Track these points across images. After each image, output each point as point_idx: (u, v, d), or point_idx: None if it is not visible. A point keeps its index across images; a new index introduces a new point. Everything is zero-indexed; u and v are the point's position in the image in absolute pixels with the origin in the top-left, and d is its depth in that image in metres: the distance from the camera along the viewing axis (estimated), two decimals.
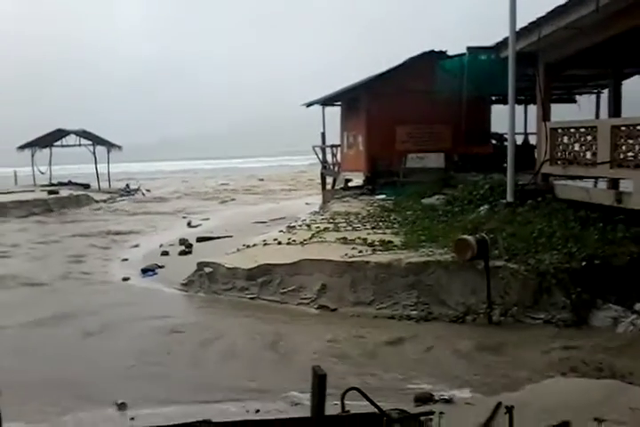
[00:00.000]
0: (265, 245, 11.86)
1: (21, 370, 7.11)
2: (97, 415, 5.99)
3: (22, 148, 35.00)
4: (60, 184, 33.10)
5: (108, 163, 34.38)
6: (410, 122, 18.10)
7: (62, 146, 35.95)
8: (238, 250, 11.84)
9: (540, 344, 7.20)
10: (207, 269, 10.80)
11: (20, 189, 30.72)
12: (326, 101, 22.41)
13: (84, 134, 34.55)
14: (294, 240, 11.57)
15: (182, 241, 15.41)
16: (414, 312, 8.67)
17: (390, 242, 10.43)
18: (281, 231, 13.35)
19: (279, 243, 11.72)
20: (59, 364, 7.46)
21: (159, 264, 13.13)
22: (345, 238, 11.10)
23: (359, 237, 10.98)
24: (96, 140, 34.54)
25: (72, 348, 8.15)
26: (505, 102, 13.44)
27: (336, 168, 22.46)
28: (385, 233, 11.51)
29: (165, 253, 14.42)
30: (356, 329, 8.18)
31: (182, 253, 14.43)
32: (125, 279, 12.24)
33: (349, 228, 12.51)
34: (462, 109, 17.04)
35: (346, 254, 9.77)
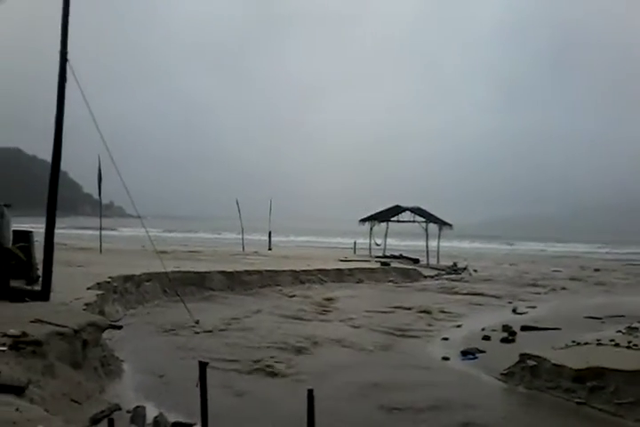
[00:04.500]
0: (598, 344, 10.72)
1: None
2: None
3: (363, 221, 38.25)
4: (393, 257, 35.09)
5: (439, 240, 35.44)
6: None
7: (398, 221, 38.32)
8: (567, 346, 10.93)
9: None
10: (530, 362, 10.09)
11: (358, 258, 33.35)
12: None
13: (418, 211, 36.38)
14: (636, 344, 10.20)
15: (506, 328, 14.79)
16: None
17: None
18: (619, 332, 11.94)
19: (616, 345, 10.48)
20: None
21: (480, 349, 12.76)
22: None
23: None
24: (429, 218, 36.05)
25: (378, 419, 8.28)
26: None
27: None
28: None
29: (487, 338, 13.98)
30: None
31: (504, 340, 13.82)
32: (445, 359, 12.15)
33: None
34: None
35: None
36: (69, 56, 11.51)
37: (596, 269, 35.25)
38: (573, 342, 11.17)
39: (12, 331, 7.89)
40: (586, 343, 10.93)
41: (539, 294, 23.45)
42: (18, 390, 6.05)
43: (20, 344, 7.47)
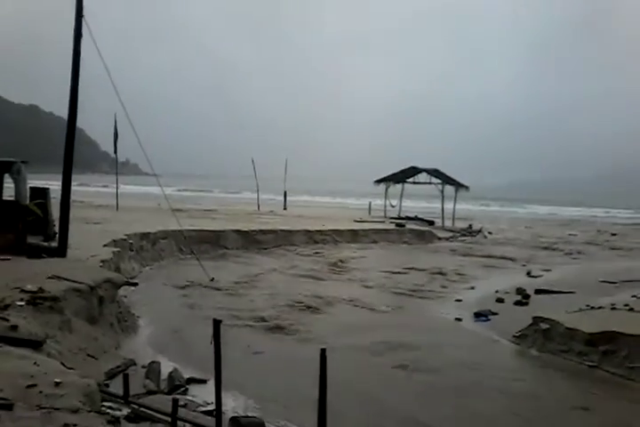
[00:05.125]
0: (612, 309, 10.72)
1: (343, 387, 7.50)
2: None
3: (379, 182, 38.01)
4: (408, 218, 34.97)
5: (455, 202, 35.18)
6: None
7: (414, 183, 38.02)
8: (580, 310, 10.91)
9: None
10: (543, 325, 10.10)
11: (372, 219, 33.31)
12: None
13: (435, 173, 36.01)
14: None
15: (519, 290, 14.80)
16: None
17: None
18: (634, 296, 11.90)
19: (630, 309, 10.48)
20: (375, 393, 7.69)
21: (493, 311, 12.80)
22: None
23: None
24: (446, 180, 35.70)
25: (390, 378, 8.37)
26: None
27: None
28: None
29: (500, 300, 14.00)
30: None
31: (518, 302, 13.84)
32: (458, 320, 12.21)
33: None
34: None
35: None
36: (85, 12, 11.31)
37: (613, 234, 34.99)
38: (587, 306, 11.14)
39: (30, 287, 8.00)
40: (600, 307, 10.92)
41: (554, 257, 23.36)
42: (35, 345, 6.16)
43: (37, 300, 7.58)
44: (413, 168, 36.67)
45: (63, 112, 11.95)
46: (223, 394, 5.88)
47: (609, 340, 8.96)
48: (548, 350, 9.74)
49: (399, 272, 18.01)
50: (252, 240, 21.44)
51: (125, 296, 11.57)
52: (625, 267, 20.26)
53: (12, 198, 12.03)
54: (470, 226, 33.73)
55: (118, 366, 7.71)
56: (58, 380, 4.87)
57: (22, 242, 11.42)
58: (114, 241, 14.95)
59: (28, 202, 12.08)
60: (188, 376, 7.83)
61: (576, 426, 6.98)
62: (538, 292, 14.92)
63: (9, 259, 10.44)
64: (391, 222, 31.13)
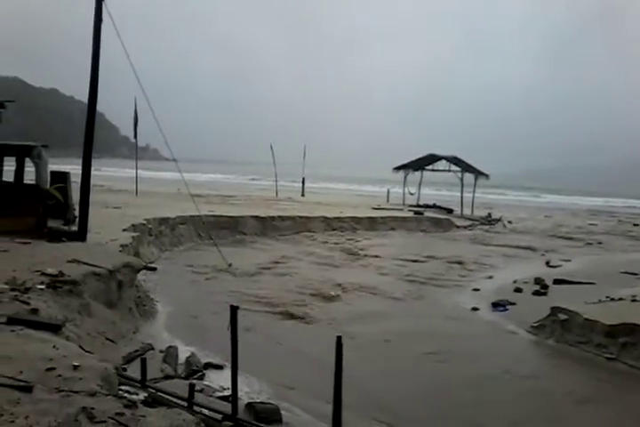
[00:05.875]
0: (634, 301, 10.57)
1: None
2: None
3: (397, 169, 37.77)
4: (426, 206, 34.76)
5: (474, 190, 34.84)
6: None
7: (433, 170, 37.73)
8: (600, 301, 10.78)
9: None
10: (562, 316, 10.01)
11: (391, 206, 33.17)
12: None
13: (454, 160, 35.64)
14: None
15: (538, 280, 14.68)
16: None
17: None
18: None
19: None
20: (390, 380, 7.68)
21: (510, 301, 12.70)
22: None
23: None
24: (465, 168, 35.35)
25: (403, 367, 8.37)
26: None
27: None
28: None
29: (518, 290, 13.90)
30: None
31: (536, 293, 13.73)
32: (475, 309, 12.15)
33: None
34: None
35: None
36: None
37: (635, 224, 34.52)
38: (607, 297, 11.01)
39: (50, 270, 8.08)
40: (620, 299, 10.79)
41: (574, 247, 23.11)
42: (55, 328, 6.21)
43: (57, 283, 7.64)
44: (432, 155, 36.35)
45: (83, 96, 12.00)
46: (239, 380, 5.91)
47: (629, 332, 8.85)
48: (565, 341, 9.66)
49: (417, 260, 17.93)
50: (270, 226, 21.47)
51: (144, 281, 11.65)
52: None
53: (33, 182, 12.11)
54: (489, 215, 33.48)
55: (136, 351, 7.77)
56: (76, 363, 4.90)
57: (43, 226, 11.52)
58: (133, 226, 15.03)
59: (48, 186, 12.16)
60: (205, 361, 7.89)
61: (591, 417, 6.92)
62: (557, 282, 14.78)
63: (29, 242, 10.54)
64: (409, 210, 30.98)
